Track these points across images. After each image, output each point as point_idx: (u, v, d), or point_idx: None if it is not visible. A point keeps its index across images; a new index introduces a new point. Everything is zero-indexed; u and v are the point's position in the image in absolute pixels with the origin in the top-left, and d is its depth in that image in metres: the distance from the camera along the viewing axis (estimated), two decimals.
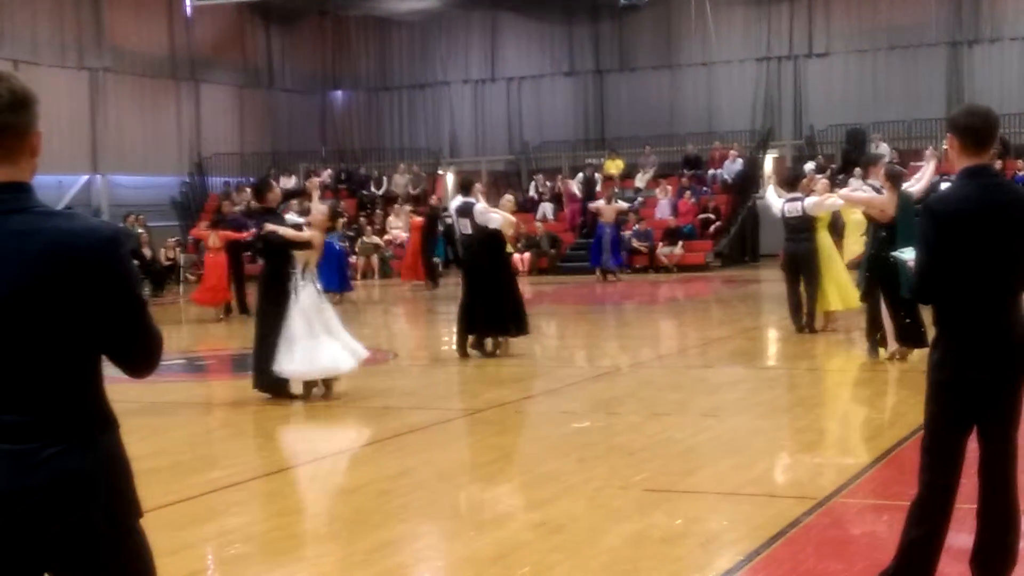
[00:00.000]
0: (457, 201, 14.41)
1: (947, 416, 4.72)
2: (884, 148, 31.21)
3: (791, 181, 15.50)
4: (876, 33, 33.79)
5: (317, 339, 10.65)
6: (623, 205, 29.62)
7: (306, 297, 10.74)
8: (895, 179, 12.22)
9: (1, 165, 2.80)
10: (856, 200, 13.17)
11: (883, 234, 11.98)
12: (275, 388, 10.96)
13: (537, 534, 6.32)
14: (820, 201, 14.52)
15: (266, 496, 7.42)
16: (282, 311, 10.62)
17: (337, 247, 23.32)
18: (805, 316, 14.63)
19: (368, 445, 8.93)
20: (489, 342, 13.94)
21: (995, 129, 4.76)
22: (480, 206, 13.89)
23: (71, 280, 2.75)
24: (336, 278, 22.80)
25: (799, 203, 14.46)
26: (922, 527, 4.80)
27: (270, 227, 10.98)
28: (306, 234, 11.02)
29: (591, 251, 28.85)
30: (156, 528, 6.69)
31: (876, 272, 11.92)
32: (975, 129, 4.71)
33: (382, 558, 6.02)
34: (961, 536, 5.01)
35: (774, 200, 15.12)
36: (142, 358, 2.94)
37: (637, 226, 30.28)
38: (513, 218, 14.28)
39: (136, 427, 9.64)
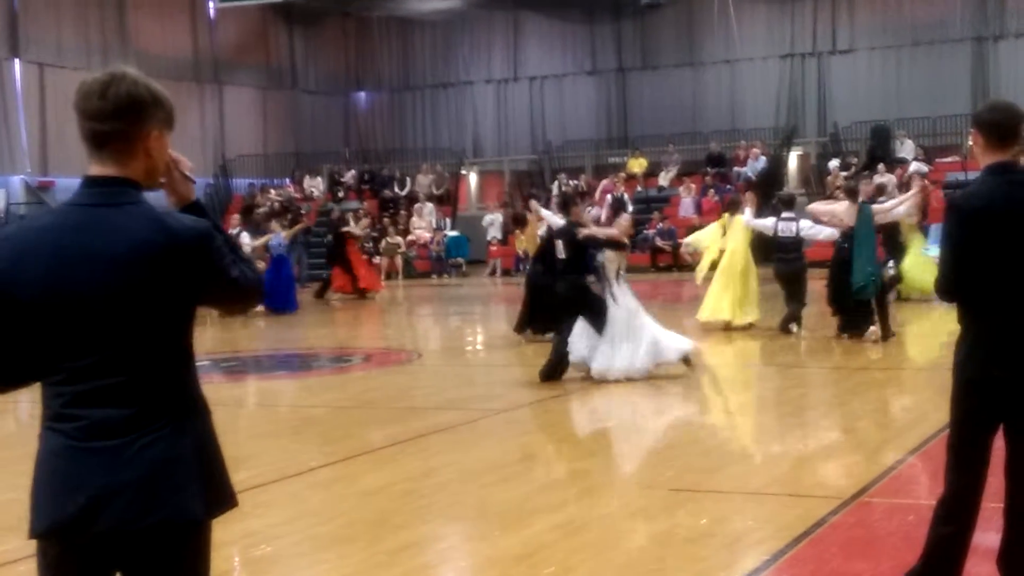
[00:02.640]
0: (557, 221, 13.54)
1: (972, 414, 4.68)
2: (909, 145, 31.08)
3: (787, 201, 15.61)
4: (900, 29, 33.63)
5: (637, 339, 11.33)
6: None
7: (624, 299, 11.44)
8: (851, 194, 13.89)
9: (109, 163, 2.87)
10: (822, 212, 14.41)
11: (844, 245, 13.58)
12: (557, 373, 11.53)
13: (561, 534, 6.31)
14: (816, 229, 14.70)
15: (290, 497, 7.43)
16: (595, 314, 11.31)
17: (283, 255, 22.20)
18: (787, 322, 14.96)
19: (392, 446, 8.92)
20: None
21: (1019, 124, 4.72)
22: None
23: (165, 275, 2.81)
24: (281, 295, 21.26)
25: (794, 224, 14.61)
26: (949, 526, 4.77)
27: (586, 232, 11.62)
28: (616, 231, 11.77)
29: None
30: None
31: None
32: (998, 124, 4.67)
33: (406, 559, 6.01)
34: (988, 535, 4.97)
35: (763, 223, 15.13)
36: (241, 308, 3.22)
37: (661, 224, 30.22)
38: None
39: None
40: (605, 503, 6.93)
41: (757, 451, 8.29)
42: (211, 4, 35.53)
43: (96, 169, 2.88)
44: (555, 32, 38.12)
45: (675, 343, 11.66)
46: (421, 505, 7.15)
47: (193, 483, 2.83)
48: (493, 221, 32.65)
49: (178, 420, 2.85)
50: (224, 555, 6.12)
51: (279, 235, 22.61)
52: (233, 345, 17.79)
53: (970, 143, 4.76)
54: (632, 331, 11.34)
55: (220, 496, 2.92)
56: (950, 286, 4.66)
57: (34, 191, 30.73)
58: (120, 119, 2.86)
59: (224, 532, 6.54)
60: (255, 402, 12.07)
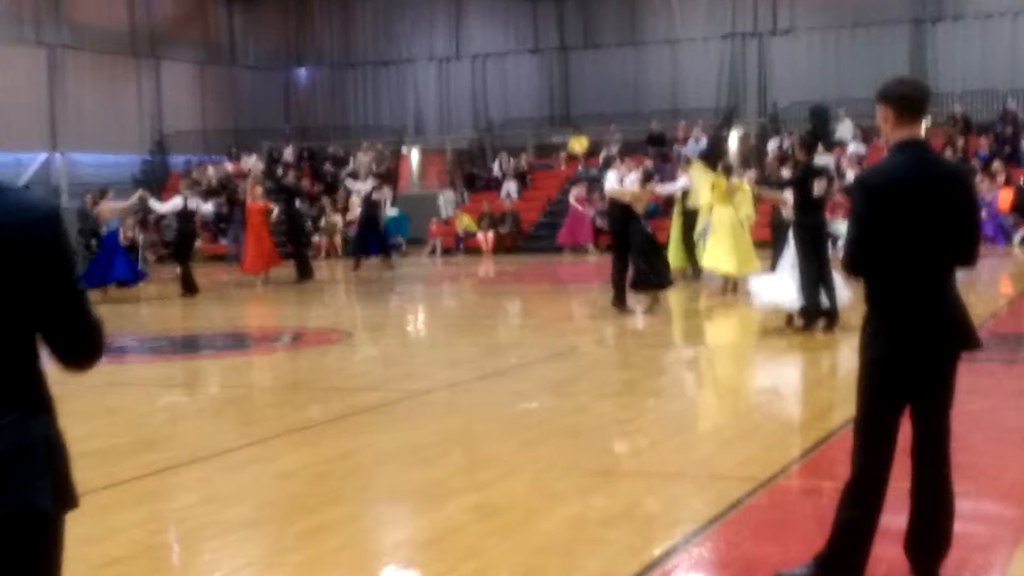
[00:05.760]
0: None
1: (879, 395, 4.61)
2: (848, 125, 31.22)
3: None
4: (840, 10, 33.75)
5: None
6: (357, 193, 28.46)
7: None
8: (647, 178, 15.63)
9: None
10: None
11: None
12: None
13: (473, 517, 6.19)
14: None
15: (200, 480, 7.25)
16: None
17: (109, 231, 20.68)
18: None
19: (310, 427, 8.78)
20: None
21: (927, 99, 4.67)
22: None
23: (2, 259, 2.59)
24: (114, 268, 20.08)
25: None
26: (855, 509, 4.71)
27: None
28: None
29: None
30: (82, 514, 6.49)
31: None
32: (909, 98, 4.61)
33: (313, 543, 5.87)
34: (896, 518, 4.90)
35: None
36: (79, 348, 2.77)
37: (602, 204, 30.13)
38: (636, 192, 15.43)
39: (77, 409, 9.48)
40: (520, 486, 6.82)
41: (677, 432, 8.22)
42: None
43: None
44: (497, 10, 37.90)
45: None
46: (334, 488, 7.01)
47: (41, 477, 2.67)
48: (449, 199, 32.59)
49: (24, 413, 2.68)
50: (124, 540, 5.97)
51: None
52: (164, 324, 17.52)
53: (879, 120, 4.68)
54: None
55: (66, 495, 2.75)
56: (856, 263, 4.59)
57: None
58: None
59: (127, 516, 6.39)
60: (179, 383, 11.85)
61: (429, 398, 9.94)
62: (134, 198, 23.17)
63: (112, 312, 18.62)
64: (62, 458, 2.76)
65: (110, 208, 21.04)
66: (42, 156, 32.56)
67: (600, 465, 7.25)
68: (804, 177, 13.10)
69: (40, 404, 2.73)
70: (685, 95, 35.22)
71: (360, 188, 28.00)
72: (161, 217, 31.07)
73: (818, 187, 12.89)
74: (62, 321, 2.72)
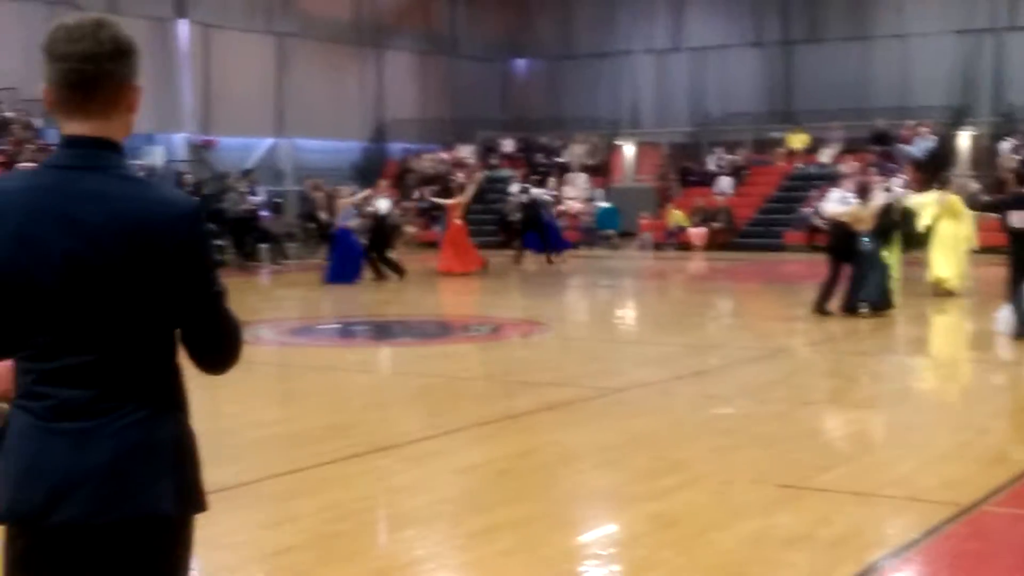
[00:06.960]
0: None
1: None
2: None
3: None
4: None
5: None
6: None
7: None
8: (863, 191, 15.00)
9: (94, 118, 2.58)
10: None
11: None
12: None
13: (651, 527, 5.95)
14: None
15: (381, 470, 7.21)
16: None
17: (351, 237, 21.02)
18: None
19: (497, 422, 8.66)
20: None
21: None
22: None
23: (137, 254, 2.50)
24: (346, 268, 20.68)
25: None
26: None
27: None
28: None
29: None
30: (259, 499, 6.58)
31: None
32: None
33: (483, 543, 5.74)
34: None
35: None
36: (213, 351, 2.67)
37: (818, 203, 29.26)
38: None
39: (276, 391, 9.64)
40: (704, 496, 6.53)
41: (878, 448, 7.77)
42: None
43: (76, 127, 2.57)
44: (719, 2, 37.22)
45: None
46: (514, 486, 6.87)
47: (166, 477, 2.56)
48: None
49: (155, 408, 2.57)
50: (296, 528, 5.97)
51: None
52: (368, 308, 17.78)
53: None
54: None
55: (191, 498, 2.63)
56: None
57: (196, 149, 31.42)
58: (115, 61, 2.58)
59: (303, 504, 6.40)
60: (372, 369, 11.95)
61: (622, 397, 9.70)
62: (360, 196, 23.68)
63: (319, 295, 19.07)
64: (190, 459, 2.65)
65: (350, 200, 21.70)
66: (268, 141, 33.64)
67: (789, 479, 6.88)
68: (1000, 207, 12.83)
69: (171, 402, 2.63)
70: (913, 92, 33.79)
71: (515, 192, 28.40)
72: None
73: (1017, 219, 12.22)
74: (196, 323, 2.63)
